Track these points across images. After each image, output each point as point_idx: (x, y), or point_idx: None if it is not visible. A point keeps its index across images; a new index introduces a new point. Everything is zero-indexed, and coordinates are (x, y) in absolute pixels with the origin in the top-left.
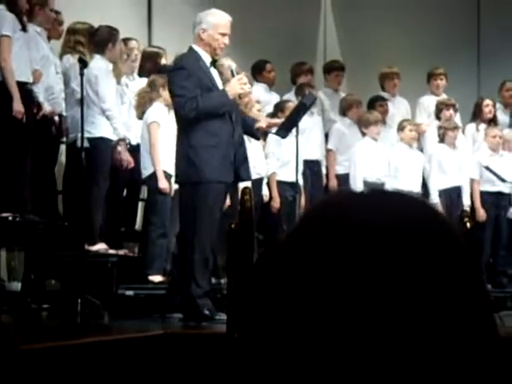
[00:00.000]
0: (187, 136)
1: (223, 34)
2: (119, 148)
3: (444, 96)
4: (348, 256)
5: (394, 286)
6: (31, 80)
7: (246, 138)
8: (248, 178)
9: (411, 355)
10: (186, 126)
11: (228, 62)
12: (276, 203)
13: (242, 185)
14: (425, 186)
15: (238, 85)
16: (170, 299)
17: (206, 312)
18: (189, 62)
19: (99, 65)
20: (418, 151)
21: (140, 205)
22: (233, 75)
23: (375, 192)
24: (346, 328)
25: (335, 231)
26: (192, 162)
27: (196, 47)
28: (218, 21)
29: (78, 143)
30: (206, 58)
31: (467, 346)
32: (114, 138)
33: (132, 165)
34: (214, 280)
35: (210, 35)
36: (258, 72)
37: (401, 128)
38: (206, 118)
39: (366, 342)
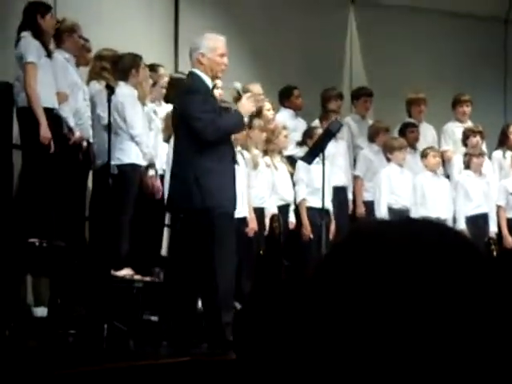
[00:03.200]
0: (196, 161)
1: (222, 55)
2: (150, 173)
3: (469, 123)
4: (386, 282)
5: (431, 312)
6: (57, 105)
7: (272, 164)
8: (234, 209)
9: (445, 374)
10: (194, 151)
11: (233, 84)
12: (307, 230)
13: (269, 212)
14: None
15: (249, 103)
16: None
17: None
18: (199, 86)
19: (124, 91)
20: (443, 178)
21: (165, 230)
22: (239, 94)
23: (405, 220)
24: (385, 350)
25: (369, 257)
26: (206, 188)
27: (197, 71)
28: (214, 44)
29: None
30: (208, 82)
31: (497, 367)
32: (143, 163)
33: (160, 192)
34: (238, 305)
35: (209, 59)
36: (285, 98)
37: (424, 155)
38: (213, 143)
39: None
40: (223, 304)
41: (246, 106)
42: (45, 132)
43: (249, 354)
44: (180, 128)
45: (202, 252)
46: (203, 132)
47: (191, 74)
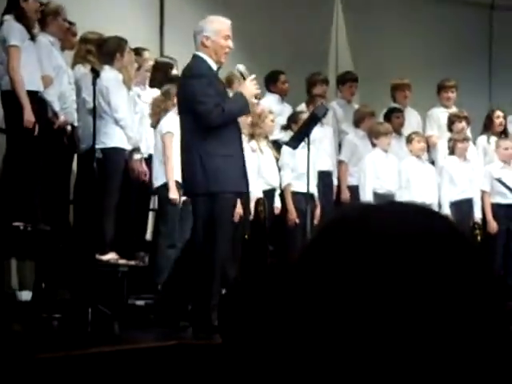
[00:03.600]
0: (201, 145)
1: (226, 38)
2: (136, 157)
3: (454, 108)
4: (372, 266)
5: (409, 294)
6: (41, 88)
7: (258, 148)
8: (248, 189)
9: (430, 363)
10: (199, 134)
11: (237, 66)
12: (292, 215)
13: (254, 196)
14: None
15: (252, 85)
16: (164, 308)
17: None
18: (203, 69)
19: (109, 75)
20: (428, 163)
21: (150, 215)
22: (243, 77)
23: (390, 204)
24: (369, 334)
25: (354, 241)
26: (210, 171)
27: (202, 54)
28: (219, 26)
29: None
30: (213, 65)
31: (484, 354)
32: (128, 147)
33: (147, 176)
34: (223, 291)
35: (214, 41)
36: (271, 82)
37: (409, 140)
38: (218, 127)
39: (385, 349)
40: (215, 288)
41: (250, 89)
42: (28, 116)
43: (234, 338)
44: (183, 111)
45: (199, 234)
46: (207, 116)
47: (195, 56)
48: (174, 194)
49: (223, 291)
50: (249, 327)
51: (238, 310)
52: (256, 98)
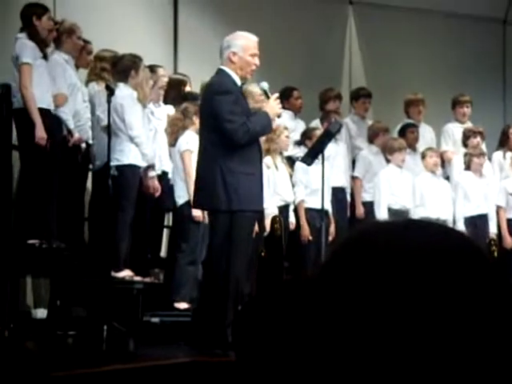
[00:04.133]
0: (224, 162)
1: (253, 55)
2: (150, 174)
3: (469, 123)
4: (385, 283)
5: (429, 310)
6: (52, 106)
7: (272, 164)
8: (263, 208)
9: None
10: (222, 151)
11: (260, 84)
12: (305, 232)
13: (270, 213)
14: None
15: (276, 105)
16: (197, 327)
17: None
18: (230, 85)
19: (124, 93)
20: (442, 179)
21: (165, 232)
22: (267, 95)
23: (407, 221)
24: (390, 352)
25: (372, 260)
26: (233, 189)
27: (227, 69)
28: (246, 43)
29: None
30: (238, 80)
31: (499, 367)
32: (143, 164)
33: (159, 193)
34: (239, 308)
35: (241, 58)
36: (285, 99)
37: (423, 156)
38: (242, 146)
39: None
40: (230, 306)
41: (274, 108)
42: (40, 132)
43: (247, 355)
44: (207, 127)
45: (218, 251)
46: (234, 134)
47: (220, 71)
48: (197, 211)
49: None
50: (263, 344)
51: (252, 327)
52: (278, 117)
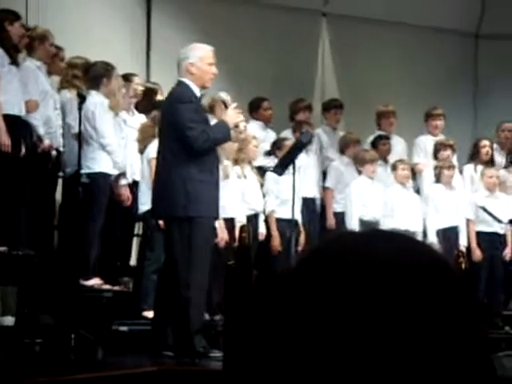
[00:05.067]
0: (184, 170)
1: (210, 64)
2: (122, 182)
3: (441, 136)
4: (349, 294)
5: (393, 322)
6: (23, 112)
7: (242, 173)
8: (218, 216)
9: None
10: (182, 159)
11: (219, 94)
12: (276, 241)
13: (238, 221)
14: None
15: (234, 114)
16: (160, 335)
17: (201, 349)
18: (190, 95)
19: (95, 100)
20: (412, 191)
21: (135, 240)
22: (225, 105)
23: (374, 232)
24: (347, 364)
25: (337, 270)
26: (192, 196)
27: (186, 81)
28: (203, 53)
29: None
30: (197, 91)
31: (467, 381)
32: (114, 172)
33: (130, 201)
34: (207, 316)
35: (199, 68)
36: (254, 109)
37: (394, 168)
38: (202, 153)
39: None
40: (195, 313)
41: (232, 117)
42: (4, 139)
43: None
44: (167, 135)
45: (178, 259)
46: (195, 141)
47: (180, 83)
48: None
49: (207, 316)
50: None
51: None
52: (237, 126)
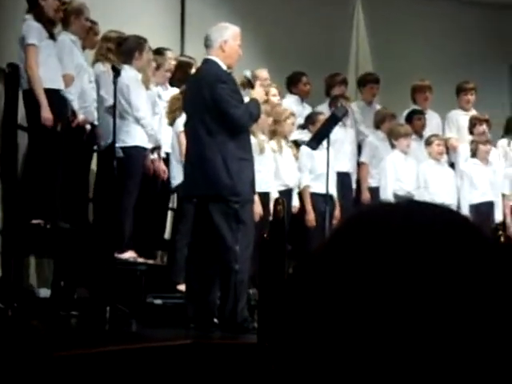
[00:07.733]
0: (224, 147)
1: (239, 45)
2: (154, 157)
3: (473, 111)
4: (391, 261)
5: (435, 299)
6: (62, 87)
7: (278, 148)
8: (254, 193)
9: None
10: (223, 136)
11: (244, 72)
12: (311, 217)
13: (274, 196)
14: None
15: (262, 90)
16: (192, 309)
17: (246, 324)
18: (227, 74)
19: (129, 74)
20: (447, 166)
21: (169, 214)
22: (250, 82)
23: (410, 201)
24: (391, 335)
25: (378, 238)
26: (234, 174)
27: (214, 59)
28: (235, 33)
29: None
30: (225, 69)
31: (497, 356)
32: (149, 145)
33: (166, 175)
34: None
35: (231, 47)
36: (293, 84)
37: (428, 143)
38: (241, 131)
39: (409, 347)
40: (244, 287)
41: (261, 94)
42: (46, 113)
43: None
44: (207, 112)
45: (225, 236)
46: (241, 118)
47: (210, 61)
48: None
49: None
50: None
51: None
52: (266, 101)
